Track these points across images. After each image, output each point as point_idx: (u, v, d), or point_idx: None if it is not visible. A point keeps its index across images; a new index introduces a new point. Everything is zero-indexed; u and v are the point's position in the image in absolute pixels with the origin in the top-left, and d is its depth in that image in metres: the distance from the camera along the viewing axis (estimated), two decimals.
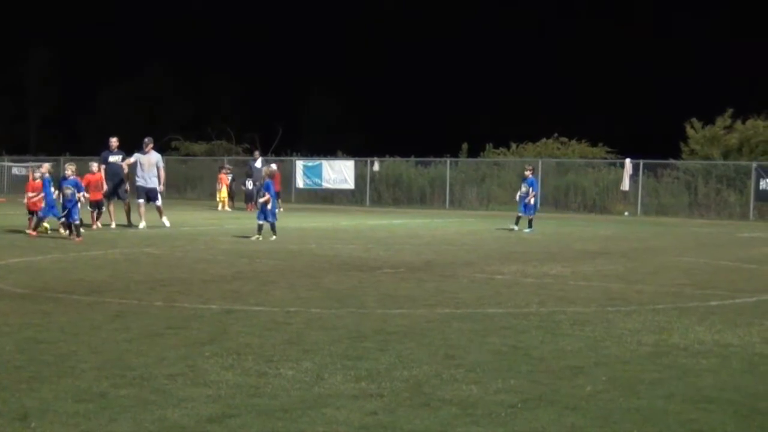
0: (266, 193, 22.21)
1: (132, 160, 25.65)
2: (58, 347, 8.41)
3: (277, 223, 22.20)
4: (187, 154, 56.84)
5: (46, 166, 22.72)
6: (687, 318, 10.72)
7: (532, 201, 26.31)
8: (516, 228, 26.20)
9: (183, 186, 51.97)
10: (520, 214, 26.38)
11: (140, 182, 25.43)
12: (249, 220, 27.81)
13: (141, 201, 25.28)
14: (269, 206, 21.98)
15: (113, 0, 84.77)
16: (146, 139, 25.90)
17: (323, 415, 6.31)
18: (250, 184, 38.02)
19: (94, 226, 24.16)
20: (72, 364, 7.72)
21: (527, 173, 26.89)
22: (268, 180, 23.05)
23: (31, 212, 22.42)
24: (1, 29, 77.85)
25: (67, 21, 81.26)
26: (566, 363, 8.11)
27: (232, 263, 16.31)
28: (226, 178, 39.83)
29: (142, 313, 10.40)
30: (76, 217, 20.91)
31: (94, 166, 25.09)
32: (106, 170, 25.02)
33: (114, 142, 25.76)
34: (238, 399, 6.67)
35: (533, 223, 26.39)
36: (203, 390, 6.90)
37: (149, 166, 25.44)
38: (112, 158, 25.45)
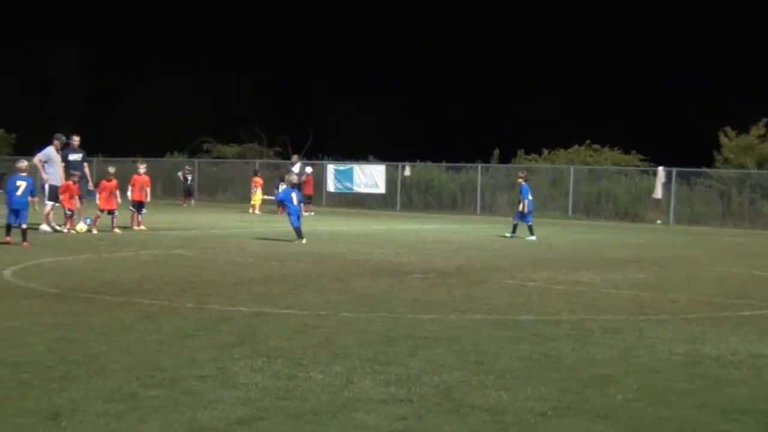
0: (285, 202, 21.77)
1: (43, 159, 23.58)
2: (88, 347, 8.45)
3: (308, 227, 22.19)
4: (219, 157, 57.10)
5: (24, 164, 20.32)
6: (720, 328, 10.62)
7: (525, 209, 25.47)
8: (509, 235, 25.67)
9: (214, 188, 52.20)
10: (515, 222, 26.00)
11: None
12: (279, 223, 27.91)
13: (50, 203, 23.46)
14: (283, 213, 21.78)
15: (143, 1, 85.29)
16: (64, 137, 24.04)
17: (352, 419, 6.30)
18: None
19: (136, 227, 24.34)
20: (102, 364, 7.76)
21: (520, 180, 26.28)
22: (288, 188, 22.62)
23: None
24: (30, 31, 78.60)
25: (96, 22, 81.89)
26: (597, 371, 8.06)
27: (262, 266, 16.35)
28: (260, 181, 39.89)
29: (172, 315, 10.44)
30: (24, 219, 19.07)
31: (142, 168, 25.51)
32: (65, 168, 23.74)
33: (76, 140, 24.73)
34: (267, 401, 6.67)
35: (533, 229, 25.47)
36: (233, 392, 6.92)
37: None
38: (72, 156, 24.31)
